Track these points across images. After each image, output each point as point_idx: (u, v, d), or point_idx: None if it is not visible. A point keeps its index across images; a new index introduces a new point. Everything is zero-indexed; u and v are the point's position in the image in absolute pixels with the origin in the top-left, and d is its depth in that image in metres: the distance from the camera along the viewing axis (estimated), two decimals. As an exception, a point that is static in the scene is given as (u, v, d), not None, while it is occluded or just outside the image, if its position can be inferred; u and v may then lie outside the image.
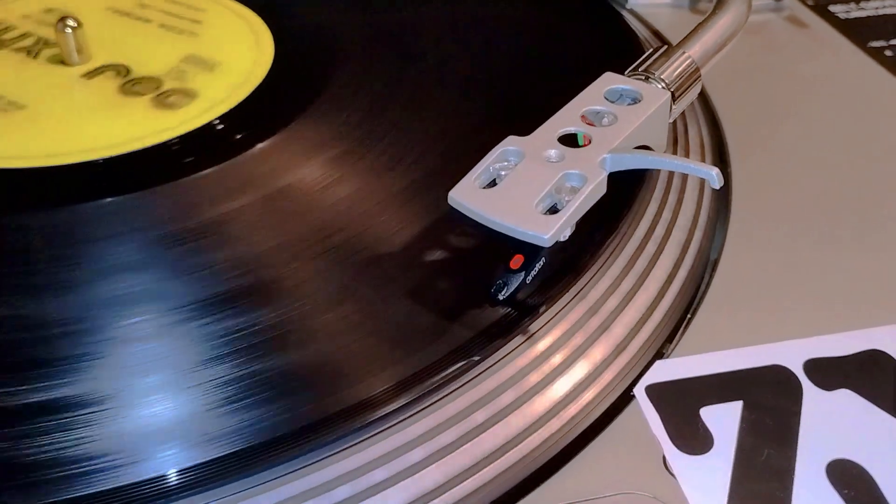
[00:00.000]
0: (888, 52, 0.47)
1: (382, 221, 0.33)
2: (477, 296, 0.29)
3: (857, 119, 0.42)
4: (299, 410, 0.26)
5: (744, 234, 0.36)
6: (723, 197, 0.37)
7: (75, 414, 0.26)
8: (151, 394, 0.26)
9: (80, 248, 0.32)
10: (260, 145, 0.36)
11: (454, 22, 0.43)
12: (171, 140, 0.37)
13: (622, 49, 0.42)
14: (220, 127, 0.38)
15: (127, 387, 0.26)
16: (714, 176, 0.28)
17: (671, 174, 0.36)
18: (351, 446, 0.25)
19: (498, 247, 0.29)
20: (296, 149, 0.36)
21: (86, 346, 0.28)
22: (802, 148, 0.41)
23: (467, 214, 0.29)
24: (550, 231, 0.27)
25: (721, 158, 0.40)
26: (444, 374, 0.27)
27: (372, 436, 0.25)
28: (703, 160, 0.39)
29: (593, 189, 0.28)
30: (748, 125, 0.42)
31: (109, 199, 0.34)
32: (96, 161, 0.36)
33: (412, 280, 0.30)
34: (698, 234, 0.35)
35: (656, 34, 0.49)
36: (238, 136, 0.37)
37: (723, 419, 0.28)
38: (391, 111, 0.38)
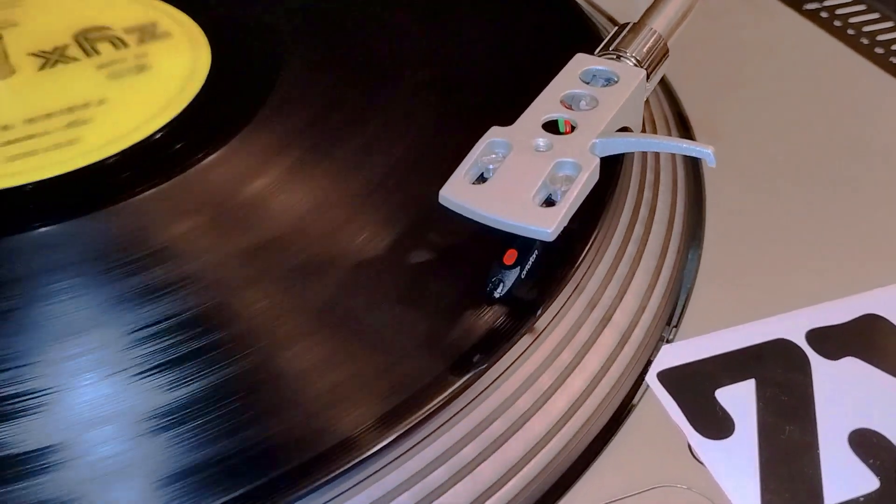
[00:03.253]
0: (823, 14, 0.48)
1: (353, 231, 0.30)
2: (475, 299, 0.28)
3: (809, 81, 0.43)
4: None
5: (721, 206, 0.35)
6: (694, 171, 0.37)
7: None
8: (102, 442, 0.24)
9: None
10: (209, 158, 0.33)
11: (403, 17, 0.41)
12: (107, 158, 0.33)
13: (568, 26, 0.41)
14: (161, 141, 0.34)
15: (74, 435, 0.24)
16: (709, 154, 0.27)
17: (644, 152, 0.35)
18: (374, 474, 0.23)
19: (486, 245, 0.28)
20: (247, 159, 0.33)
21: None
22: (762, 115, 0.41)
23: (460, 212, 0.27)
24: (553, 225, 0.26)
25: (686, 131, 0.39)
26: (452, 388, 0.25)
27: (393, 461, 0.24)
28: (669, 134, 0.38)
29: (589, 177, 0.27)
30: (704, 95, 0.42)
31: (43, 230, 0.31)
32: (24, 186, 0.32)
33: (402, 291, 0.28)
34: (679, 212, 0.34)
35: (596, 8, 0.48)
36: (182, 150, 0.33)
37: (739, 400, 0.28)
38: (341, 112, 0.36)
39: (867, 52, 0.44)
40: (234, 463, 0.23)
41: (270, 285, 0.28)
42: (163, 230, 0.30)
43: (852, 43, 0.45)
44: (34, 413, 0.25)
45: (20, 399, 0.25)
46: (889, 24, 0.46)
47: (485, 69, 0.38)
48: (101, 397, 0.25)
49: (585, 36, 0.39)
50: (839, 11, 0.48)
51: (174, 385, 0.25)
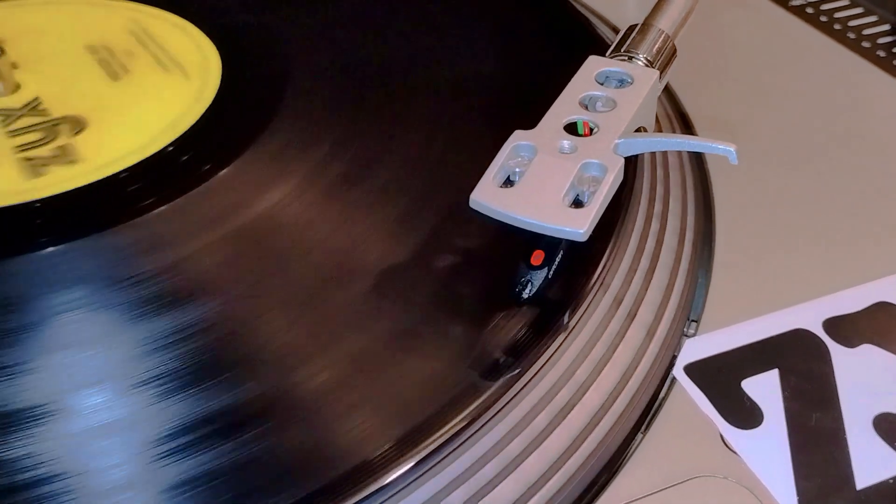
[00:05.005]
0: (809, 10, 0.49)
1: (372, 242, 0.30)
2: (503, 302, 0.28)
3: (799, 76, 0.44)
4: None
5: (729, 202, 0.36)
6: (700, 167, 0.38)
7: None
8: (109, 463, 0.24)
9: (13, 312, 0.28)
10: (221, 173, 0.33)
11: (402, 26, 0.41)
12: (118, 173, 0.33)
13: (564, 31, 0.42)
14: (172, 156, 0.34)
15: (89, 470, 0.24)
16: (732, 151, 0.28)
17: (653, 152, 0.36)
18: (427, 471, 0.24)
19: (508, 248, 0.29)
20: (260, 174, 0.33)
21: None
22: (757, 111, 0.42)
23: (491, 216, 0.28)
24: (585, 225, 0.27)
25: (687, 128, 0.40)
26: (489, 391, 0.25)
27: (441, 460, 0.24)
28: (673, 131, 0.39)
29: (615, 177, 0.28)
30: (700, 92, 0.43)
31: (51, 249, 0.30)
32: (32, 202, 0.32)
33: (429, 299, 0.28)
34: (690, 210, 0.35)
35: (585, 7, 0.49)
36: (192, 166, 0.33)
37: (765, 389, 0.28)
38: (353, 121, 0.36)
39: (854, 46, 0.46)
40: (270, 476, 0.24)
41: (289, 300, 0.28)
42: (177, 246, 0.30)
43: (839, 37, 0.47)
44: (43, 429, 0.25)
45: (31, 417, 0.25)
46: (873, 19, 0.48)
47: (490, 74, 0.39)
48: (110, 414, 0.25)
49: (583, 40, 0.40)
50: (824, 7, 0.49)
51: (188, 403, 0.25)
